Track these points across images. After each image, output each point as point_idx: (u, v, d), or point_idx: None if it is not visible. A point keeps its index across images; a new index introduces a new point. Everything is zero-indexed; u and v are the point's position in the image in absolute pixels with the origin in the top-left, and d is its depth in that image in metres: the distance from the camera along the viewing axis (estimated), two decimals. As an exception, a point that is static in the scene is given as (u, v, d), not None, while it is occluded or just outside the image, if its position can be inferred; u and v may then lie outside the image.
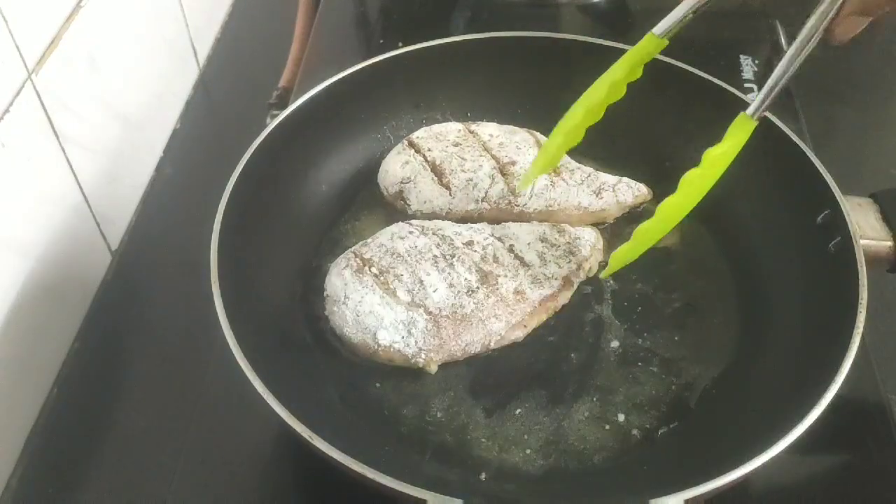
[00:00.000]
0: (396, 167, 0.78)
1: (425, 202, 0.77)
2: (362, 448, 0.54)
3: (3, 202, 0.66)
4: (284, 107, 0.78)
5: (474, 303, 0.67)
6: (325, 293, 0.70)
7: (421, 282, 0.67)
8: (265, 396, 0.55)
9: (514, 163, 0.78)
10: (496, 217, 0.77)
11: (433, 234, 0.71)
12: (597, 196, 0.78)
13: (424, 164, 0.78)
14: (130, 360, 0.78)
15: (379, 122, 0.85)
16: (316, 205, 0.79)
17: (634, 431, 0.64)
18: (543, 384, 0.67)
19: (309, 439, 0.54)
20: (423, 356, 0.65)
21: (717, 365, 0.68)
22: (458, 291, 0.67)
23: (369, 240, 0.72)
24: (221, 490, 0.66)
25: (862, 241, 0.65)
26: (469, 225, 0.74)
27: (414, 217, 0.77)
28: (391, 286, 0.67)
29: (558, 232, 0.75)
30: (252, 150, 0.72)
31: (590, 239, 0.75)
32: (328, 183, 0.81)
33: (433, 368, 0.66)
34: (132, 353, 0.78)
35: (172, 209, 0.91)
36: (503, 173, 0.77)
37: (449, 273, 0.68)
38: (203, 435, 0.69)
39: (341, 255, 0.72)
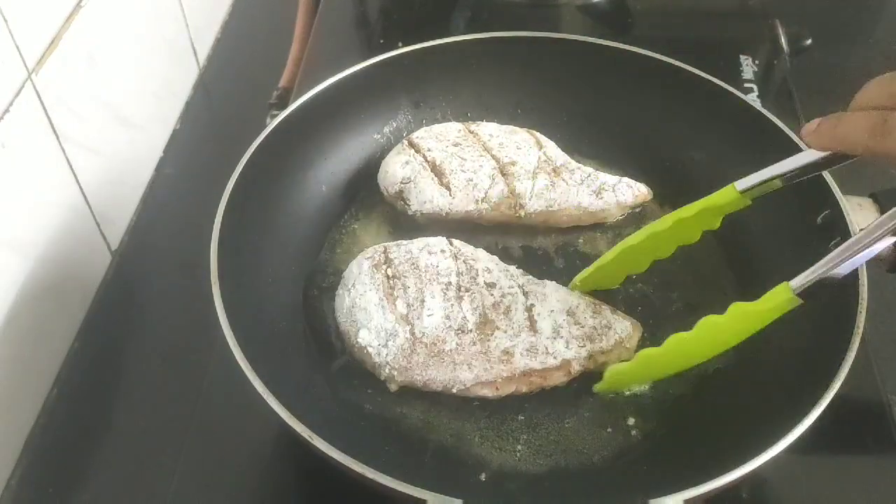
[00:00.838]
0: (396, 167, 0.78)
1: (425, 202, 0.76)
2: (362, 448, 0.54)
3: (3, 202, 0.66)
4: (284, 107, 0.78)
5: (457, 343, 0.64)
6: (343, 273, 0.70)
7: (422, 301, 0.65)
8: (265, 396, 0.55)
9: (514, 163, 0.78)
10: (497, 217, 0.77)
11: (464, 261, 0.69)
12: (597, 196, 0.78)
13: (424, 164, 0.78)
14: (130, 360, 0.78)
15: (379, 122, 0.85)
16: (316, 205, 0.79)
17: (634, 432, 0.64)
18: (543, 384, 0.67)
19: (309, 439, 0.54)
20: (387, 371, 0.64)
21: (716, 365, 0.68)
22: (450, 326, 0.64)
23: (405, 241, 0.71)
24: (221, 490, 0.66)
25: (862, 241, 0.65)
26: (506, 267, 0.70)
27: (414, 217, 0.77)
28: (394, 293, 0.66)
29: (593, 312, 0.68)
30: (252, 150, 0.72)
31: (621, 332, 0.68)
32: (328, 183, 0.81)
33: (393, 387, 0.65)
34: (132, 353, 0.78)
35: (172, 209, 0.91)
36: (503, 173, 0.77)
37: (452, 304, 0.65)
38: (203, 435, 0.69)
39: (374, 246, 0.71)
